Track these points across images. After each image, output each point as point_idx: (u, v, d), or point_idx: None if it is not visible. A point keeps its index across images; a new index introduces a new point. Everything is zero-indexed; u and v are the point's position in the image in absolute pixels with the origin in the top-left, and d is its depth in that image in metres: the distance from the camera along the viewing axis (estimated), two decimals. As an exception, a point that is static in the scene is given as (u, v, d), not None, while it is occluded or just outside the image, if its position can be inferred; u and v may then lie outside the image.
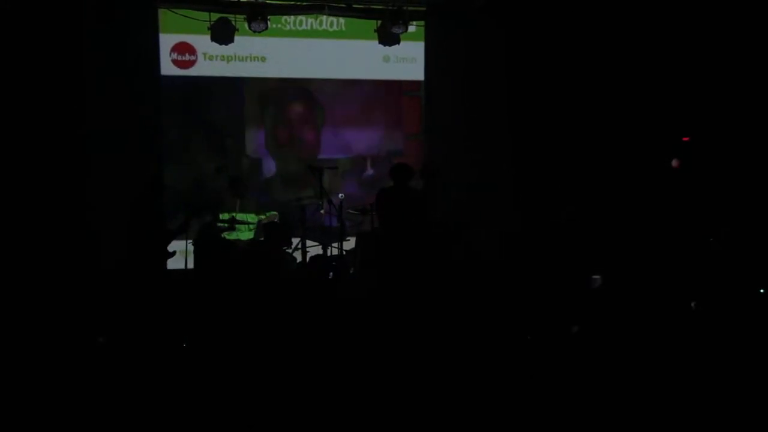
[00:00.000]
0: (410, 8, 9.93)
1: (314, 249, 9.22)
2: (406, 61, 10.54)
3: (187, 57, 10.01)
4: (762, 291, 8.00)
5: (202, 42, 9.74)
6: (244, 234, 9.29)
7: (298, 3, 9.81)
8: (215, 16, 9.48)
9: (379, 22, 9.90)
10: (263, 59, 10.22)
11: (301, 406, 5.21)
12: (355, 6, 9.95)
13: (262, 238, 9.06)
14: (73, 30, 9.03)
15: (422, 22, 10.36)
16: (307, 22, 10.26)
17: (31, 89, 8.85)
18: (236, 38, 9.54)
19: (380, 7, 9.89)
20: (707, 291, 7.86)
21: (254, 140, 10.33)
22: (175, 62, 9.98)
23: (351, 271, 9.01)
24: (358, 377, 5.72)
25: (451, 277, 8.15)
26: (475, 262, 9.04)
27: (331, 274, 8.74)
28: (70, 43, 9.03)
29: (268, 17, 9.38)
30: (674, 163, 9.54)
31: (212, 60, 10.05)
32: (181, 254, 8.49)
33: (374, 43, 9.99)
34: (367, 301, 7.86)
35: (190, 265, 8.68)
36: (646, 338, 6.60)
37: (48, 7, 8.87)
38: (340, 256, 8.97)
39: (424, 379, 5.64)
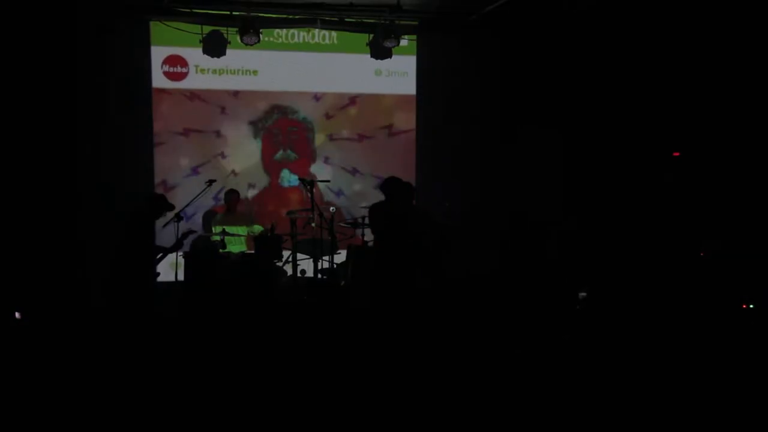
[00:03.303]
0: (402, 22, 9.99)
1: (305, 262, 9.20)
2: (397, 74, 10.58)
3: (179, 69, 10.01)
4: (749, 306, 8.03)
5: (194, 54, 9.74)
6: (236, 247, 9.28)
7: (291, 16, 9.82)
8: (207, 29, 9.50)
9: (372, 35, 9.92)
10: (255, 72, 10.23)
11: (292, 416, 5.20)
12: (347, 20, 9.97)
13: (253, 251, 9.05)
14: (65, 42, 9.05)
15: (414, 36, 10.42)
16: (299, 35, 10.28)
17: (22, 101, 8.87)
18: (228, 51, 9.56)
19: (372, 20, 9.92)
20: (695, 304, 7.89)
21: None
22: (167, 74, 9.98)
23: (342, 284, 8.99)
24: (351, 389, 5.72)
25: (443, 290, 8.15)
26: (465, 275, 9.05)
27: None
28: (63, 55, 9.06)
29: (261, 30, 9.40)
30: (667, 177, 9.59)
31: (204, 73, 10.06)
32: (171, 267, 8.46)
33: (366, 57, 10.03)
34: (361, 313, 7.86)
35: (181, 278, 8.65)
36: (634, 350, 6.62)
37: (41, 19, 8.88)
38: (331, 269, 8.95)
39: (418, 390, 5.64)
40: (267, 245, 8.81)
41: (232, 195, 9.43)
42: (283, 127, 10.39)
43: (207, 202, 9.77)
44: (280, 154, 10.37)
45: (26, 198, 8.82)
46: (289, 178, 10.37)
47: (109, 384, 5.76)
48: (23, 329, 7.44)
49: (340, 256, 9.27)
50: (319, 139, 10.47)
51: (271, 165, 10.39)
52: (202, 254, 8.83)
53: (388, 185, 8.05)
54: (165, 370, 6.31)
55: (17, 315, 7.49)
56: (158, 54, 9.90)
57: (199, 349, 6.80)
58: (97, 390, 5.64)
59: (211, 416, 5.21)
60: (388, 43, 9.75)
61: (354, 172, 10.55)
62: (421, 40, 10.48)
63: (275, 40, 10.20)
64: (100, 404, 5.37)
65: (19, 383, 5.80)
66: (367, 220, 8.83)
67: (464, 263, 9.27)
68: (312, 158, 10.48)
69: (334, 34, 10.32)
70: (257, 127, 10.30)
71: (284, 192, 10.38)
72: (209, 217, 9.68)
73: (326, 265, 8.99)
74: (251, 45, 9.42)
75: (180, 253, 8.53)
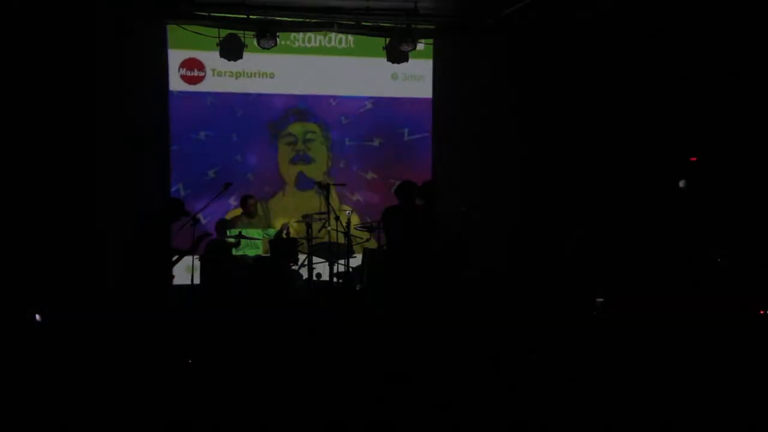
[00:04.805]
0: (419, 26, 9.97)
1: (321, 265, 9.21)
2: (414, 78, 10.57)
3: (195, 73, 10.05)
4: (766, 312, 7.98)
5: (211, 58, 9.78)
6: (251, 250, 9.29)
7: (308, 20, 9.84)
8: (224, 33, 9.53)
9: (388, 39, 9.93)
10: (272, 75, 10.26)
11: (306, 418, 5.21)
12: (363, 23, 9.97)
13: (269, 255, 9.07)
14: (84, 45, 9.11)
15: (431, 40, 10.41)
16: (315, 39, 10.29)
17: (40, 103, 8.93)
18: (245, 54, 9.59)
19: (389, 24, 9.93)
20: (712, 310, 7.84)
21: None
22: (184, 78, 10.01)
23: (358, 288, 9.00)
24: (364, 392, 5.72)
25: (460, 293, 8.13)
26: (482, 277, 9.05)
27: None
28: (82, 58, 9.12)
29: (277, 34, 9.42)
30: (681, 183, 9.54)
31: (221, 76, 10.09)
32: (187, 270, 8.49)
33: (382, 61, 10.02)
34: (375, 317, 7.86)
35: (197, 281, 8.67)
36: (650, 356, 6.60)
37: (60, 23, 8.94)
38: (346, 272, 8.96)
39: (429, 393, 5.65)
40: (282, 249, 8.83)
41: (249, 200, 9.42)
42: (299, 132, 10.42)
43: (223, 205, 9.81)
44: (296, 158, 10.39)
45: (44, 200, 8.89)
46: (305, 183, 10.40)
47: (120, 385, 5.79)
48: (42, 331, 7.49)
49: (356, 260, 9.28)
50: (335, 142, 10.48)
51: (287, 169, 10.41)
52: (218, 258, 8.86)
53: (401, 189, 8.06)
54: (178, 373, 6.34)
55: (37, 317, 7.54)
56: (175, 57, 9.94)
57: (214, 352, 6.82)
58: (109, 391, 5.67)
59: (224, 418, 5.22)
60: (404, 47, 9.75)
61: (369, 175, 10.55)
62: (437, 44, 10.47)
63: (292, 44, 10.21)
64: (112, 405, 5.40)
65: (35, 383, 5.84)
66: (381, 224, 8.83)
67: (479, 265, 9.27)
68: (328, 162, 10.49)
69: (350, 37, 10.32)
70: (273, 130, 10.33)
71: (300, 196, 10.38)
72: (222, 226, 9.66)
73: (342, 268, 9.00)
74: (268, 49, 9.46)
75: (196, 257, 8.56)
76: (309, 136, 10.42)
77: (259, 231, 9.35)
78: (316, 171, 10.41)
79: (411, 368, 6.26)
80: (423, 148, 10.66)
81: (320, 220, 9.02)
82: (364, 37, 10.18)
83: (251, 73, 10.16)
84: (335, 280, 9.05)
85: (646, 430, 5.09)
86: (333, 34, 10.22)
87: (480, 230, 9.63)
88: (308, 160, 10.43)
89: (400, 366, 6.35)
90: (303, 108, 10.38)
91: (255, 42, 9.41)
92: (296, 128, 10.40)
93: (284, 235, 9.04)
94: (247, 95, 10.19)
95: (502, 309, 8.20)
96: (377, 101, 10.54)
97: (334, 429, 5.07)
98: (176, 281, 8.45)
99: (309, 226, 8.97)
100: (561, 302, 8.37)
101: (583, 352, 6.83)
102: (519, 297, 8.71)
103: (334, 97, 10.43)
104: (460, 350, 6.81)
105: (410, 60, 10.04)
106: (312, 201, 10.02)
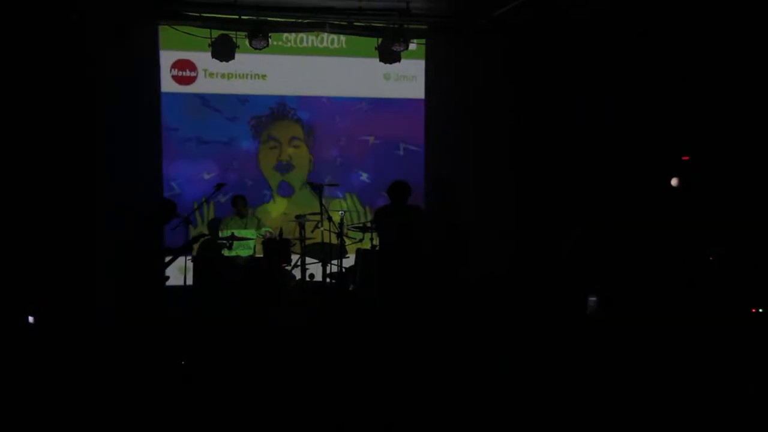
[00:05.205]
0: (411, 26, 9.97)
1: (314, 266, 9.20)
2: (406, 79, 10.56)
3: (187, 73, 10.02)
4: (758, 311, 8.00)
5: (203, 59, 9.75)
6: (244, 251, 9.27)
7: (300, 20, 9.82)
8: (216, 33, 9.50)
9: (380, 39, 9.91)
10: (264, 76, 10.23)
11: (298, 418, 5.20)
12: (356, 24, 9.95)
13: (261, 255, 9.05)
14: (76, 46, 9.06)
15: (423, 41, 10.40)
16: (308, 39, 10.27)
17: (33, 105, 8.88)
18: (237, 55, 9.56)
19: (381, 25, 9.91)
20: (704, 309, 7.86)
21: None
22: (176, 78, 9.98)
23: (351, 288, 8.99)
24: (360, 392, 5.71)
25: (454, 293, 8.14)
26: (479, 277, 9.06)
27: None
28: (73, 59, 9.06)
29: (269, 34, 9.40)
30: (674, 182, 9.56)
31: (213, 77, 10.06)
32: (180, 271, 8.46)
33: (375, 61, 9.99)
34: (368, 318, 7.85)
35: (189, 282, 8.64)
36: (644, 356, 6.61)
37: (52, 24, 8.90)
38: (339, 273, 8.95)
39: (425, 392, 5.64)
40: (275, 249, 8.81)
41: (240, 200, 9.41)
42: (282, 135, 10.37)
43: (217, 206, 9.79)
44: (278, 166, 10.35)
45: (36, 201, 8.85)
46: (287, 190, 10.36)
47: (116, 386, 5.77)
48: (36, 333, 7.46)
49: (349, 260, 9.26)
50: (327, 142, 10.46)
51: (271, 175, 10.36)
52: (211, 258, 8.83)
53: (393, 189, 8.06)
54: (172, 374, 6.32)
55: (30, 319, 7.50)
56: (167, 58, 9.91)
57: (207, 353, 6.81)
58: (105, 391, 5.65)
59: (217, 419, 5.21)
60: (396, 47, 9.73)
61: (361, 175, 10.54)
62: (429, 44, 10.46)
63: (284, 44, 10.19)
64: (108, 406, 5.38)
65: (30, 386, 5.81)
66: (373, 225, 8.84)
67: (476, 265, 9.27)
68: (310, 166, 10.44)
69: (342, 38, 10.31)
70: (260, 131, 10.29)
71: (289, 199, 10.35)
72: (215, 225, 9.65)
73: (335, 269, 8.99)
74: (260, 49, 9.43)
75: (188, 258, 8.53)
76: (295, 143, 10.37)
77: (252, 231, 9.34)
78: (298, 177, 10.36)
79: (407, 368, 6.26)
80: (416, 149, 10.65)
81: (313, 220, 9.01)
82: (357, 37, 10.17)
83: (243, 74, 10.14)
84: (328, 280, 9.04)
85: (645, 429, 5.09)
86: (325, 35, 10.20)
87: (475, 230, 9.66)
88: (290, 168, 10.38)
89: (395, 366, 6.35)
90: (286, 104, 10.33)
91: (247, 42, 9.39)
92: (279, 129, 10.33)
93: (277, 237, 9.01)
94: (238, 96, 10.17)
95: (500, 309, 8.21)
96: (370, 102, 10.52)
97: (332, 429, 5.07)
98: (169, 282, 8.42)
99: (302, 227, 8.96)
100: (558, 302, 8.38)
101: (581, 352, 6.84)
102: (515, 297, 8.72)
103: (327, 98, 10.41)
104: (457, 350, 6.82)
105: (402, 60, 10.00)
106: (302, 202, 10.00)
